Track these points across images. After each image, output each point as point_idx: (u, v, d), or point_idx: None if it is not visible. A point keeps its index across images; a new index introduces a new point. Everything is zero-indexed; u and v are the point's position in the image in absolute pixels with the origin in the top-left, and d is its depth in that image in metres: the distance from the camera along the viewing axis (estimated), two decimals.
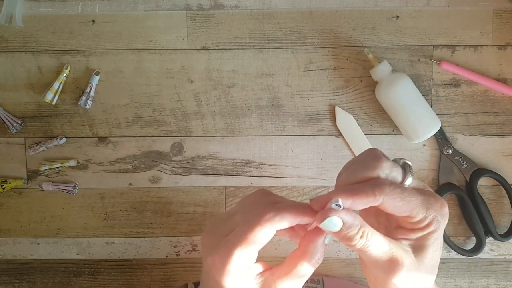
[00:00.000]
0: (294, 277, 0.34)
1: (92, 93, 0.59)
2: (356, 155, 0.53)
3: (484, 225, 0.59)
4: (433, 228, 0.34)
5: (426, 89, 0.59)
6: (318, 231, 0.34)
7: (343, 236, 0.32)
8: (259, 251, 0.34)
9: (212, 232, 0.36)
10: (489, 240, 0.60)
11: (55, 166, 0.60)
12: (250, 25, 0.59)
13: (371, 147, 0.48)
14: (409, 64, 0.59)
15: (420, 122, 0.56)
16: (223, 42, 0.59)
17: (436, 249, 0.34)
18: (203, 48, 0.60)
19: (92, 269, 0.62)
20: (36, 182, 0.61)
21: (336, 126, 0.60)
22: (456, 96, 0.59)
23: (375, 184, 0.32)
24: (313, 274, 0.61)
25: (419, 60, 0.59)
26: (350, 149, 0.60)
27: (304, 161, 0.60)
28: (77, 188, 0.61)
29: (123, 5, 0.59)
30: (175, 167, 0.61)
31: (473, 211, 0.58)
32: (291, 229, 0.38)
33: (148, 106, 0.60)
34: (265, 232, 0.33)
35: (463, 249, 0.60)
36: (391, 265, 0.33)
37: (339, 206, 0.32)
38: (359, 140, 0.59)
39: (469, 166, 0.59)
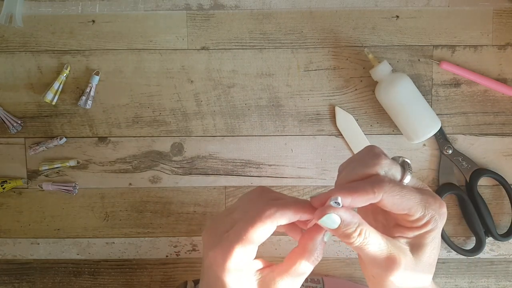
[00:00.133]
0: (293, 274, 0.35)
1: (92, 93, 0.59)
2: None
3: (484, 225, 0.59)
4: (431, 227, 0.34)
5: (426, 89, 0.59)
6: (317, 228, 0.35)
7: (341, 234, 0.32)
8: (259, 251, 0.34)
9: (213, 229, 0.36)
10: (489, 240, 0.60)
11: (55, 166, 0.60)
12: (250, 25, 0.59)
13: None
14: (409, 64, 0.59)
15: (420, 122, 0.56)
16: (223, 42, 0.59)
17: (433, 248, 0.35)
18: (203, 48, 0.60)
19: (92, 269, 0.62)
20: (36, 182, 0.61)
21: (336, 126, 0.60)
22: (456, 96, 0.59)
23: (374, 182, 0.33)
24: (313, 274, 0.61)
25: (419, 60, 0.59)
26: (350, 149, 0.60)
27: (304, 161, 0.60)
28: (77, 188, 0.61)
29: (123, 5, 0.59)
30: (175, 167, 0.61)
31: (473, 211, 0.58)
32: (290, 225, 0.38)
33: (148, 106, 0.60)
34: (266, 228, 0.34)
35: (463, 249, 0.60)
36: (389, 263, 0.33)
37: (338, 203, 0.32)
38: (359, 140, 0.59)
39: (469, 166, 0.59)
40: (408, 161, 0.35)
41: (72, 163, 0.60)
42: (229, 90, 0.60)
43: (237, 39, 0.59)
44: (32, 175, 0.61)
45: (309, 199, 0.35)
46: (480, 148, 0.60)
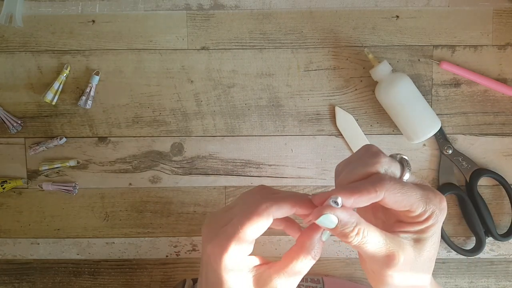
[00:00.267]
0: (290, 272, 0.35)
1: (92, 93, 0.59)
2: None
3: (484, 225, 0.59)
4: (432, 221, 0.34)
5: (426, 89, 0.59)
6: (316, 227, 0.35)
7: (339, 233, 0.33)
8: (259, 252, 0.34)
9: (212, 223, 0.36)
10: (489, 240, 0.60)
11: (55, 166, 0.60)
12: (250, 25, 0.59)
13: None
14: (409, 64, 0.59)
15: (420, 122, 0.56)
16: (223, 42, 0.59)
17: (434, 242, 0.35)
18: (203, 48, 0.60)
19: (92, 269, 0.62)
20: (36, 182, 0.61)
21: (336, 126, 0.60)
22: (456, 96, 0.59)
23: (375, 181, 0.33)
24: (313, 274, 0.61)
25: (419, 60, 0.59)
26: (350, 149, 0.60)
27: (304, 161, 0.60)
28: (77, 188, 0.61)
29: (123, 5, 0.59)
30: (175, 167, 0.61)
31: (473, 211, 0.58)
32: (289, 223, 0.38)
33: (148, 106, 0.60)
34: (262, 222, 0.34)
35: (463, 249, 0.60)
36: (388, 260, 0.33)
37: (337, 203, 0.32)
38: (359, 140, 0.59)
39: (469, 166, 0.59)
40: (406, 157, 0.35)
41: (72, 163, 0.60)
42: (229, 90, 0.60)
43: (237, 39, 0.59)
44: (32, 175, 0.61)
45: (309, 195, 0.35)
46: (480, 148, 0.60)
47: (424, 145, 0.60)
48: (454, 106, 0.59)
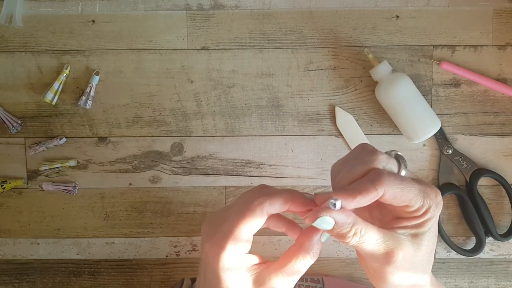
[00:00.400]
0: (288, 272, 0.35)
1: (92, 93, 0.59)
2: None
3: (484, 225, 0.59)
4: (429, 216, 0.34)
5: (426, 89, 0.59)
6: (315, 228, 0.35)
7: (336, 234, 0.33)
8: (259, 252, 0.34)
9: (211, 223, 0.37)
10: (489, 240, 0.60)
11: (55, 166, 0.60)
12: (250, 25, 0.59)
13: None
14: (409, 64, 0.59)
15: (420, 122, 0.56)
16: (223, 42, 0.59)
17: (431, 236, 0.35)
18: (203, 48, 0.60)
19: (92, 269, 0.62)
20: (36, 182, 0.61)
21: (336, 126, 0.60)
22: (456, 96, 0.59)
23: (374, 178, 0.33)
24: (313, 274, 0.61)
25: (419, 60, 0.59)
26: (350, 149, 0.60)
27: (304, 161, 0.60)
28: (77, 188, 0.61)
29: (123, 5, 0.59)
30: (175, 167, 0.61)
31: (473, 211, 0.58)
32: (290, 225, 0.38)
33: (148, 106, 0.60)
34: (256, 218, 0.34)
35: (463, 249, 0.60)
36: (387, 257, 0.34)
37: (335, 205, 0.32)
38: (359, 140, 0.59)
39: (469, 166, 0.59)
40: (401, 154, 0.36)
41: (72, 163, 0.60)
42: (229, 90, 0.60)
43: (237, 39, 0.59)
44: (32, 175, 0.61)
45: (311, 194, 0.36)
46: (480, 148, 0.60)
47: (424, 145, 0.60)
48: (454, 106, 0.59)
